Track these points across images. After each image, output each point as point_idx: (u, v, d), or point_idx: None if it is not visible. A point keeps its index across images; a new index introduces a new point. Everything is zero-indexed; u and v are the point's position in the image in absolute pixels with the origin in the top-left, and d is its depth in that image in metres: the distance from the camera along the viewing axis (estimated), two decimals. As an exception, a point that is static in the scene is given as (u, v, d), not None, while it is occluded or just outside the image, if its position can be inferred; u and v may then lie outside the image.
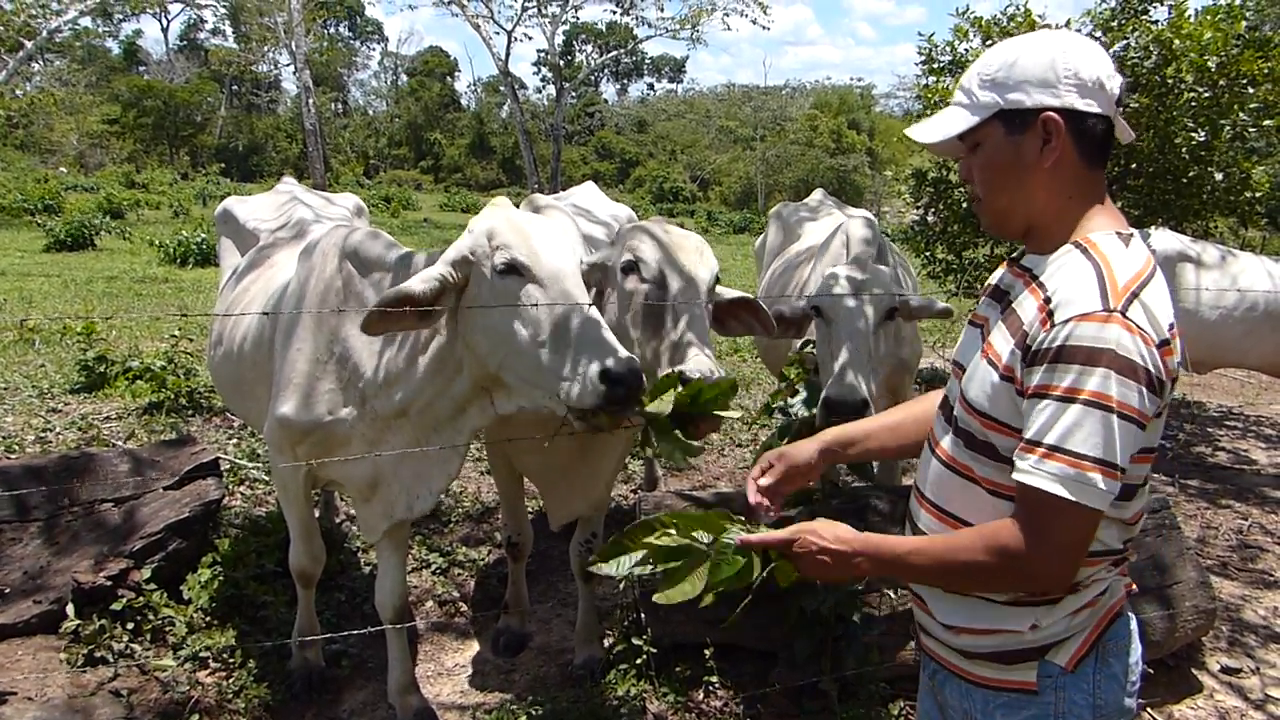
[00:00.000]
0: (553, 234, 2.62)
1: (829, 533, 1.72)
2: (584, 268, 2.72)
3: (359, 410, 2.90)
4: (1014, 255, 1.76)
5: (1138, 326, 1.47)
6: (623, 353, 2.35)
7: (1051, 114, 1.58)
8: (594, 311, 2.46)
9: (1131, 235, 1.61)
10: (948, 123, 1.68)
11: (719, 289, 2.96)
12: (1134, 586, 1.79)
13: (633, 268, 2.80)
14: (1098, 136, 1.61)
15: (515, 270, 2.50)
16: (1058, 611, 1.64)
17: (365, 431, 2.92)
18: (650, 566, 1.85)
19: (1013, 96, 1.61)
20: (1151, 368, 1.47)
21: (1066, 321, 1.49)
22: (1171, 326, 1.55)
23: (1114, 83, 1.59)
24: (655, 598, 1.83)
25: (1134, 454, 1.51)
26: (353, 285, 2.90)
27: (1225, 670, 3.84)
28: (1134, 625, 1.76)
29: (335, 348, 2.90)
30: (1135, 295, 1.51)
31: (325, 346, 2.91)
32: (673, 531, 1.85)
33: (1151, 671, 3.58)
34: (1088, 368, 1.46)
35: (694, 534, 1.84)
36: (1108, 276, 1.52)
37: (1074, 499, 1.46)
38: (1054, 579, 1.57)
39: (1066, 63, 1.57)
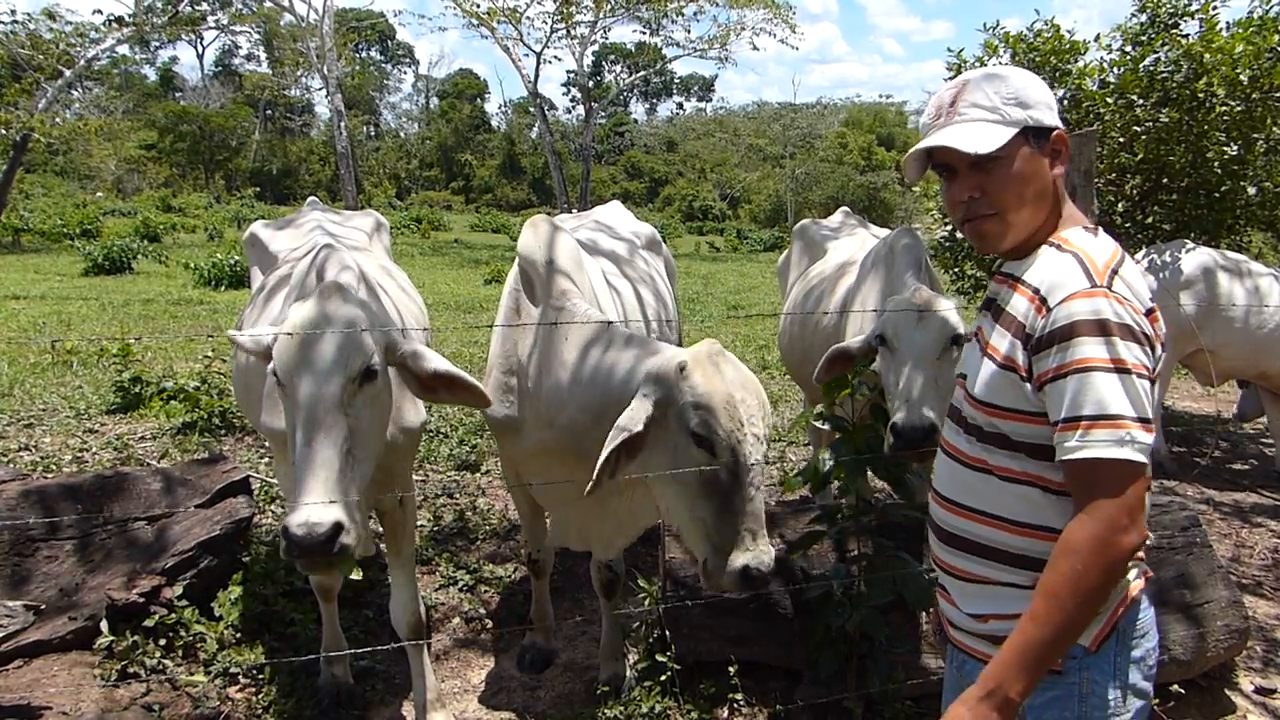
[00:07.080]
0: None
1: (967, 707, 1.61)
2: (646, 387, 2.62)
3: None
4: (997, 268, 1.88)
5: (1124, 297, 1.62)
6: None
7: (1061, 131, 1.75)
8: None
9: (1097, 229, 1.78)
10: (988, 135, 1.71)
11: None
12: (1150, 573, 1.83)
13: (703, 442, 2.49)
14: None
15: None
16: None
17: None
18: None
19: (1034, 114, 1.74)
20: (1146, 330, 1.61)
21: (1061, 303, 1.62)
22: (1151, 298, 1.69)
23: None
24: None
25: None
26: None
27: (1259, 691, 3.77)
28: (1151, 612, 1.81)
29: None
30: (1115, 272, 1.66)
31: None
32: None
33: (1183, 692, 3.53)
34: (1094, 338, 1.57)
35: None
36: (1088, 261, 1.67)
37: (1128, 458, 1.54)
38: (1138, 539, 1.57)
39: (1047, 90, 1.78)
